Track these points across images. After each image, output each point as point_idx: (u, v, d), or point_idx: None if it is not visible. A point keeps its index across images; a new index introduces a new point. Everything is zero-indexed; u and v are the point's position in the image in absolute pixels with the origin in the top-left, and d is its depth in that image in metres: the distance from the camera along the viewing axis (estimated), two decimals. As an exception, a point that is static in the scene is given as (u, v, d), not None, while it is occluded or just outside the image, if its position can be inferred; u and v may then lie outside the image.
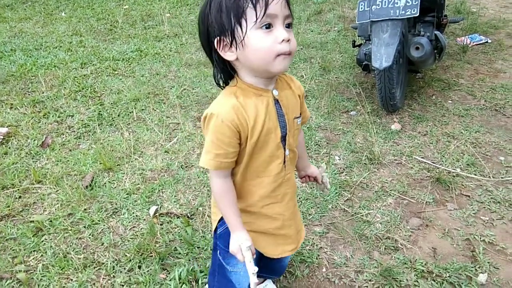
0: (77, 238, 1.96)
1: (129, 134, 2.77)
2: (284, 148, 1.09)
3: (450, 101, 3.03)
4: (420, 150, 2.50)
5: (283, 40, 0.94)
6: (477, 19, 4.47)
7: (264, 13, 0.91)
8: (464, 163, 2.36)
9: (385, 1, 2.48)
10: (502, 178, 2.25)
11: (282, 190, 1.14)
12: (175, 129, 2.83)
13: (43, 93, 3.34)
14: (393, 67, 2.52)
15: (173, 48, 4.23)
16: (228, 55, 0.99)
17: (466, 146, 2.52)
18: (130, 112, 3.02)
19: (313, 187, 2.19)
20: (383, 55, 2.45)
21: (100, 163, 2.44)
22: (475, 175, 2.27)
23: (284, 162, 1.11)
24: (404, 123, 2.79)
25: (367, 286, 1.67)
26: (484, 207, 2.06)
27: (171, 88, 3.37)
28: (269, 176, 1.10)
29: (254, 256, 1.09)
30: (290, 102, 1.10)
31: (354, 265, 1.77)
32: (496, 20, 4.54)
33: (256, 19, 0.92)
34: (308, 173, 1.37)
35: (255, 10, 0.92)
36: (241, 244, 1.06)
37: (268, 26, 0.94)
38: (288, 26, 0.98)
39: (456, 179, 2.24)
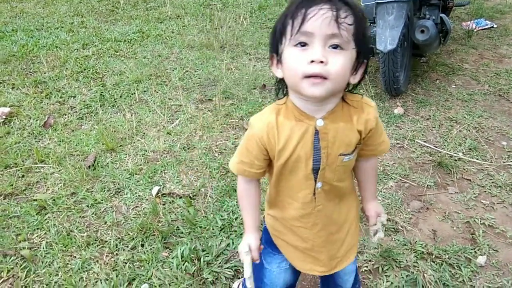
0: (80, 216, 1.97)
1: (131, 115, 2.77)
2: (315, 181, 1.01)
3: (454, 86, 3.01)
4: (422, 134, 2.50)
5: (312, 60, 0.84)
6: (483, 4, 4.42)
7: (298, 30, 0.84)
8: (466, 148, 2.36)
9: (390, -17, 2.44)
10: (503, 162, 2.25)
11: (312, 220, 1.07)
12: (177, 111, 2.82)
13: (45, 73, 3.32)
14: (397, 50, 2.50)
15: (175, 29, 4.19)
16: (278, 72, 0.94)
17: (469, 130, 2.51)
18: (132, 94, 3.01)
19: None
20: (387, 38, 2.43)
21: (103, 144, 2.45)
22: (477, 159, 2.28)
23: (314, 194, 1.03)
24: (407, 107, 2.78)
25: (367, 266, 1.69)
26: (485, 191, 2.07)
27: (173, 70, 3.36)
28: (298, 202, 1.05)
29: (258, 261, 1.08)
30: (339, 137, 0.97)
31: (357, 245, 1.79)
32: (502, 5, 4.48)
33: (291, 35, 0.86)
34: (364, 206, 1.19)
35: (292, 26, 0.85)
36: (240, 247, 1.07)
37: (304, 45, 0.85)
38: (336, 47, 0.85)
39: (457, 163, 2.24)
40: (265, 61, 3.51)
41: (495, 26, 4.00)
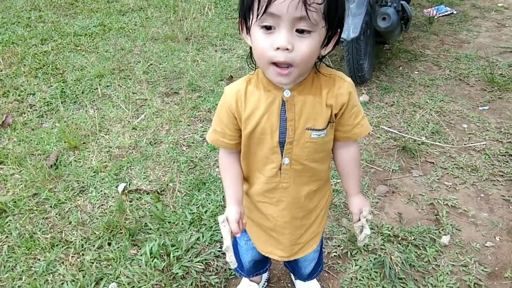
0: (43, 218, 1.91)
1: (94, 111, 2.69)
2: (282, 155, 0.99)
3: (417, 72, 3.08)
4: (387, 120, 2.55)
5: (278, 47, 0.81)
6: (443, -9, 4.53)
7: (264, 11, 0.79)
8: (429, 132, 2.42)
9: (351, -30, 2.46)
10: (465, 145, 2.33)
11: (277, 195, 1.06)
12: (142, 105, 2.76)
13: (1, 71, 3.17)
14: (360, 38, 2.53)
15: (138, 22, 4.09)
16: (248, 39, 0.90)
17: (431, 115, 2.58)
18: (95, 89, 2.92)
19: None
20: (350, 26, 2.45)
21: (65, 142, 2.37)
22: (439, 142, 2.34)
23: (280, 169, 1.01)
24: (372, 94, 2.82)
25: (336, 252, 1.71)
26: (448, 173, 2.13)
27: (137, 64, 3.28)
28: (264, 176, 1.04)
29: (238, 235, 1.03)
30: (306, 109, 0.94)
31: (324, 232, 1.81)
32: (461, -8, 4.60)
33: (257, 15, 0.81)
34: (348, 202, 1.14)
35: (258, 5, 0.80)
36: (219, 218, 1.03)
37: (269, 28, 0.81)
38: (303, 31, 0.81)
39: (421, 147, 2.30)
40: (231, 52, 3.48)
41: (454, 12, 4.12)
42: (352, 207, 1.11)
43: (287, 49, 0.81)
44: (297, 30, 0.81)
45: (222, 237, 1.02)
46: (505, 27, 3.78)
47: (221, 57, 3.37)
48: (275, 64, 0.84)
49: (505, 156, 2.22)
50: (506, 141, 2.32)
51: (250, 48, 0.93)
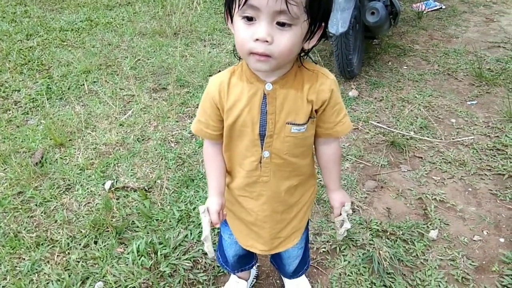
0: (28, 216, 1.87)
1: (81, 107, 2.65)
2: (262, 149, 0.99)
3: (405, 67, 3.09)
4: (376, 115, 2.55)
5: (257, 38, 0.81)
6: (432, -14, 4.53)
7: (245, 2, 0.79)
8: (417, 126, 2.43)
9: (340, -35, 2.44)
10: (453, 139, 2.33)
11: (257, 189, 1.06)
12: (129, 101, 2.73)
13: (-16, 67, 3.11)
14: (349, 33, 2.52)
15: (125, 17, 4.03)
16: (232, 28, 0.90)
17: (420, 110, 2.58)
18: (81, 85, 2.88)
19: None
20: (339, 21, 2.44)
21: (51, 139, 2.33)
22: (428, 137, 2.35)
23: (260, 162, 1.01)
24: (361, 89, 2.82)
25: (324, 247, 1.71)
26: (436, 168, 2.14)
27: (124, 59, 3.23)
28: (244, 170, 1.04)
29: (217, 225, 1.04)
30: (287, 103, 0.94)
31: (313, 228, 1.80)
32: (450, -13, 4.62)
33: (239, 6, 0.81)
34: (329, 197, 1.15)
35: None
36: (201, 208, 1.03)
37: (250, 19, 0.81)
38: (283, 24, 0.81)
39: (409, 142, 2.31)
40: (220, 47, 3.45)
41: (443, 7, 4.13)
42: (334, 201, 1.13)
43: (267, 41, 0.81)
44: (278, 23, 0.81)
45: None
46: (493, 22, 3.80)
47: (210, 52, 3.34)
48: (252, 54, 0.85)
49: (492, 150, 2.23)
50: (494, 136, 2.34)
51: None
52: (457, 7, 4.11)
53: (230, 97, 0.96)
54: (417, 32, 3.61)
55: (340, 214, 1.12)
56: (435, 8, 4.09)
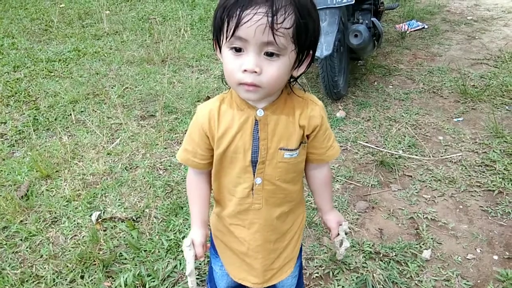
0: (13, 252, 1.82)
1: (68, 138, 2.62)
2: (254, 175, 0.98)
3: (391, 86, 3.12)
4: (364, 135, 2.56)
5: (245, 69, 0.82)
6: (414, 6, 4.65)
7: (232, 34, 0.80)
8: (405, 145, 2.44)
9: (322, -10, 2.50)
10: (441, 156, 2.34)
11: (249, 217, 1.04)
12: (117, 129, 2.71)
13: (-30, 100, 3.09)
14: (334, 56, 2.55)
15: (113, 46, 4.06)
16: (220, 58, 0.90)
17: (407, 128, 2.60)
18: (68, 115, 2.87)
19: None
20: (323, 44, 2.47)
21: (37, 171, 2.30)
22: (416, 155, 2.35)
23: (252, 189, 1.00)
24: (349, 110, 2.84)
25: (318, 272, 1.68)
26: (426, 186, 2.14)
27: (112, 88, 3.24)
28: (236, 198, 1.02)
29: (202, 259, 1.03)
30: (279, 129, 0.94)
31: (305, 252, 1.78)
32: (432, 6, 4.74)
33: (227, 37, 0.82)
34: (323, 218, 1.16)
35: (227, 27, 0.81)
36: (184, 241, 1.01)
37: (239, 49, 0.82)
38: (271, 54, 0.82)
39: (398, 161, 2.31)
40: (208, 73, 3.47)
41: (426, 26, 4.22)
42: (330, 222, 1.14)
43: (255, 71, 0.82)
44: (266, 53, 0.82)
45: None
46: (475, 39, 3.89)
47: (198, 78, 3.36)
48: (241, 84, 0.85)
49: (481, 166, 2.24)
50: (482, 152, 2.35)
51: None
52: (439, 26, 4.20)
53: (221, 125, 0.95)
54: (401, 52, 3.67)
55: (338, 234, 1.13)
56: (418, 28, 4.18)
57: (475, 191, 2.08)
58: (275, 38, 0.79)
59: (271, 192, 1.01)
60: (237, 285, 1.26)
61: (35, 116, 2.88)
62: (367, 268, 1.69)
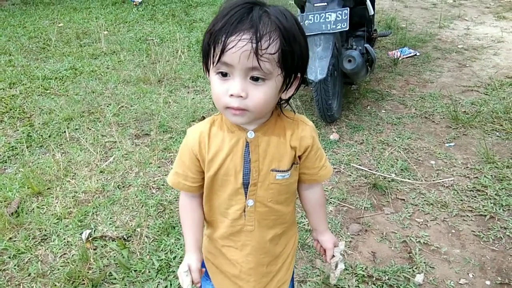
0: (0, 270, 1.79)
1: (61, 155, 2.61)
2: (246, 197, 0.98)
3: (384, 111, 3.17)
4: (357, 158, 2.58)
5: (231, 94, 0.83)
6: (406, 34, 4.76)
7: (218, 59, 0.82)
8: (398, 168, 2.45)
9: (316, 16, 2.56)
10: (433, 181, 2.36)
11: (242, 239, 1.03)
12: (111, 148, 2.71)
13: (-36, 115, 3.08)
14: (328, 79, 2.60)
15: (110, 65, 4.09)
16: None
17: (400, 152, 2.63)
18: (63, 132, 2.86)
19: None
20: (317, 68, 2.52)
21: (28, 188, 2.28)
22: (409, 179, 2.37)
23: (244, 211, 0.99)
24: (342, 132, 2.87)
25: (310, 296, 1.66)
26: (418, 210, 2.14)
27: (107, 106, 3.25)
28: (228, 219, 1.01)
29: (199, 284, 1.02)
30: (271, 150, 0.95)
31: (297, 275, 1.76)
32: (423, 34, 4.86)
33: (213, 62, 0.84)
34: (319, 239, 1.14)
35: (213, 52, 0.82)
36: (180, 268, 1.00)
37: (225, 74, 0.84)
38: (257, 79, 0.83)
39: (391, 184, 2.32)
40: (204, 93, 3.50)
41: (418, 54, 4.31)
42: (326, 243, 1.12)
43: (241, 96, 0.83)
44: (252, 78, 0.83)
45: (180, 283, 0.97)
46: (466, 67, 3.97)
47: (193, 98, 3.39)
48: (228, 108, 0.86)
49: (473, 191, 2.26)
50: (473, 177, 2.38)
51: None
52: (431, 54, 4.30)
53: (211, 147, 0.95)
54: (394, 77, 3.74)
55: (333, 255, 1.11)
56: (410, 55, 4.27)
57: (467, 215, 2.09)
58: (259, 64, 0.80)
59: (264, 214, 1.01)
60: None
61: (29, 132, 2.87)
62: (360, 291, 1.68)
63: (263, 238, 1.04)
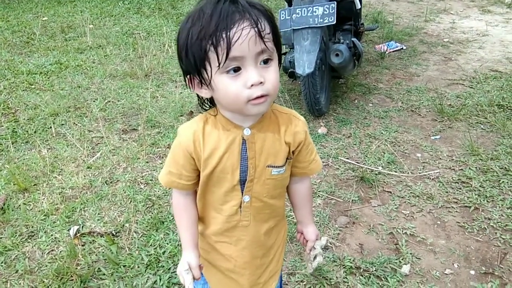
0: (-14, 268, 1.77)
1: (47, 151, 2.58)
2: (242, 193, 0.99)
3: (371, 104, 3.20)
4: (345, 151, 2.60)
5: (252, 84, 0.82)
6: (393, 28, 4.79)
7: (226, 57, 0.80)
8: (385, 161, 2.48)
9: (304, 10, 2.56)
10: (419, 173, 2.39)
11: (237, 234, 1.04)
12: (98, 143, 2.68)
13: None
14: (316, 73, 2.61)
15: (96, 59, 4.04)
16: (204, 92, 0.90)
17: (386, 145, 2.66)
18: (49, 128, 2.83)
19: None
20: (305, 62, 2.53)
21: (14, 184, 2.25)
22: (395, 172, 2.40)
23: (240, 207, 1.00)
24: (330, 126, 2.89)
25: (299, 287, 1.68)
26: (405, 202, 2.18)
27: (94, 101, 3.21)
28: (222, 215, 1.02)
29: (199, 279, 1.02)
30: (266, 147, 0.96)
31: (286, 267, 1.78)
32: (410, 28, 4.90)
33: (219, 64, 0.81)
34: (303, 231, 1.17)
35: (216, 54, 0.80)
36: (180, 267, 1.01)
37: (236, 69, 0.82)
38: (266, 61, 0.84)
39: (378, 177, 2.35)
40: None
41: (404, 48, 4.35)
42: (310, 234, 1.15)
43: (261, 82, 0.83)
44: (262, 62, 0.84)
45: (188, 286, 0.98)
46: (451, 61, 4.02)
47: (181, 93, 3.37)
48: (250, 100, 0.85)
49: (458, 183, 2.30)
50: (458, 169, 2.42)
51: (198, 96, 0.94)
52: (417, 48, 4.34)
53: (207, 146, 0.94)
54: (381, 71, 3.77)
55: (314, 248, 1.15)
56: (397, 48, 4.30)
57: (452, 207, 2.13)
58: (266, 45, 0.82)
59: (259, 209, 1.02)
60: None
61: (14, 128, 2.83)
62: (348, 283, 1.70)
63: (258, 232, 1.05)
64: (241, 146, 0.95)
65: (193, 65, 0.84)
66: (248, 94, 0.83)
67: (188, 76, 0.89)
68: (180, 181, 0.99)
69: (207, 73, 0.84)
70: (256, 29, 0.80)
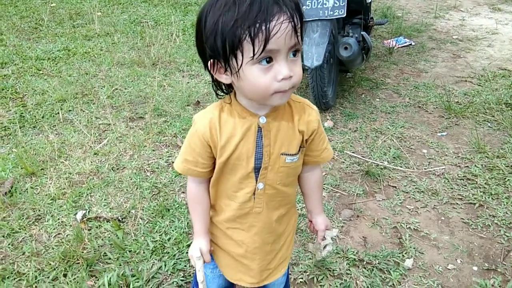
0: (-6, 249, 1.79)
1: (55, 136, 2.60)
2: (256, 181, 1.00)
3: (378, 99, 3.19)
4: (351, 145, 2.60)
5: (282, 78, 0.83)
6: (402, 23, 4.76)
7: (263, 49, 0.80)
8: (391, 156, 2.49)
9: (314, 2, 2.55)
10: (425, 169, 2.40)
11: (249, 221, 1.06)
12: (105, 130, 2.70)
13: (-45, 94, 3.04)
14: (324, 66, 2.60)
15: (104, 47, 4.05)
16: (224, 78, 0.90)
17: (392, 140, 2.66)
18: (56, 114, 2.84)
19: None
20: (314, 54, 2.52)
21: (22, 168, 2.27)
22: (401, 167, 2.40)
23: (254, 194, 1.02)
24: (336, 120, 2.89)
25: (302, 278, 1.69)
26: (410, 197, 2.18)
27: (101, 88, 3.22)
28: (236, 202, 1.03)
29: (209, 261, 1.06)
30: (281, 135, 0.97)
31: (290, 258, 1.79)
32: (419, 24, 4.87)
33: (254, 55, 0.80)
34: (313, 220, 1.19)
35: (253, 45, 0.79)
36: (193, 251, 1.05)
37: (269, 61, 0.82)
38: (295, 54, 0.85)
39: (383, 172, 2.35)
40: (199, 78, 3.49)
41: (413, 43, 4.33)
42: (320, 224, 1.17)
43: (290, 76, 0.84)
44: (292, 54, 0.85)
45: (190, 267, 1.02)
46: (460, 58, 4.00)
47: (188, 82, 3.37)
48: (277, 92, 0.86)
49: (463, 180, 2.30)
50: (464, 166, 2.41)
51: (215, 80, 0.94)
52: (426, 44, 4.32)
53: (223, 133, 0.95)
54: (389, 66, 3.76)
55: (324, 238, 1.17)
56: (405, 44, 4.28)
57: (457, 203, 2.13)
58: (298, 39, 0.83)
59: (272, 196, 1.04)
60: (227, 286, 1.27)
61: (22, 113, 2.84)
62: (351, 275, 1.71)
63: (270, 218, 1.07)
64: (256, 134, 0.95)
65: (222, 51, 0.83)
66: (277, 87, 0.84)
67: (211, 60, 0.88)
68: (196, 169, 1.01)
69: (237, 61, 0.83)
70: (292, 23, 0.81)
